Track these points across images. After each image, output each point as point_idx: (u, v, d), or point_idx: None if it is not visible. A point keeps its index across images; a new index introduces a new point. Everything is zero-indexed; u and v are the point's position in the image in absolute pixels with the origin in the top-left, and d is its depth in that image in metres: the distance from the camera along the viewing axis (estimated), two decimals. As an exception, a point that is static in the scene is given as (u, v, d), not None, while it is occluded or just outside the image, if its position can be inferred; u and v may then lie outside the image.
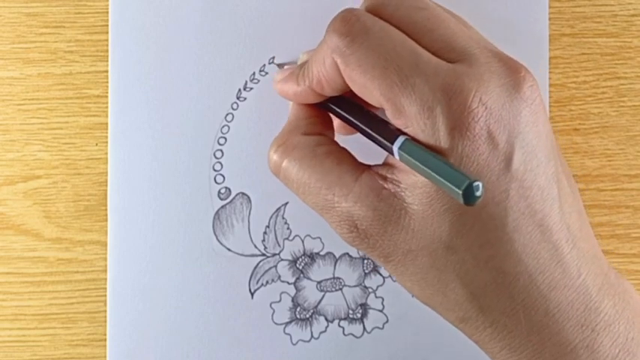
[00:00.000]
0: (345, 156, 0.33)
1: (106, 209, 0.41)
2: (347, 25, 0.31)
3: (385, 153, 0.32)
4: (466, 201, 0.27)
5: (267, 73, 0.41)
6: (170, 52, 0.41)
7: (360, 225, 0.32)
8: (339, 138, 0.35)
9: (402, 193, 0.31)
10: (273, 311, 0.41)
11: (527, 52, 0.41)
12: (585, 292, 0.31)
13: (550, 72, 0.42)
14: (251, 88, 0.41)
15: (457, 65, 0.30)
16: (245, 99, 0.41)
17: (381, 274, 0.42)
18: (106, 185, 0.41)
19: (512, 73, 0.31)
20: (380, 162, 0.33)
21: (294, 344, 0.41)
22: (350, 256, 0.42)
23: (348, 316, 0.42)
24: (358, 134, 0.34)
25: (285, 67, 0.39)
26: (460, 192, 0.27)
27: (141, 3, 0.41)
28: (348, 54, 0.31)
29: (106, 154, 0.41)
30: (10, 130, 0.42)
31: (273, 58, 0.41)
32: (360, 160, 0.34)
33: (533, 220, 0.30)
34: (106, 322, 0.41)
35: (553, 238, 0.31)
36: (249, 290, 0.41)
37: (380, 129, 0.32)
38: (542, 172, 0.31)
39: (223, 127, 0.41)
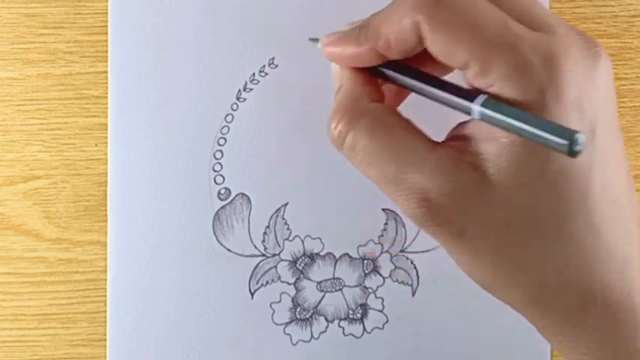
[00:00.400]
0: (415, 128, 0.32)
1: (106, 209, 0.41)
2: None
3: (440, 132, 0.31)
4: (571, 153, 0.26)
5: (267, 74, 0.41)
6: (170, 52, 0.41)
7: (434, 199, 0.30)
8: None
9: (483, 164, 0.29)
10: (273, 311, 0.41)
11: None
12: None
13: (550, 72, 0.42)
14: (251, 89, 0.41)
15: (542, 34, 0.30)
16: (245, 100, 0.41)
17: (380, 275, 0.42)
18: (106, 185, 0.41)
19: (591, 46, 0.30)
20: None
21: (294, 344, 0.41)
22: (350, 257, 0.42)
23: (348, 316, 0.42)
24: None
25: (330, 33, 0.37)
26: (566, 143, 0.26)
27: (140, 3, 0.41)
28: (435, 12, 0.30)
29: (106, 154, 0.41)
30: (9, 131, 0.42)
31: (273, 58, 0.41)
32: None
33: (611, 194, 0.30)
34: (106, 322, 0.41)
35: (625, 214, 0.30)
36: (249, 290, 0.41)
37: (453, 89, 0.31)
38: (617, 146, 0.31)
39: (223, 127, 0.41)
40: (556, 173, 0.29)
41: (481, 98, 0.29)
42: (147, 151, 0.41)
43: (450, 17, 0.30)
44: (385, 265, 0.42)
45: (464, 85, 0.31)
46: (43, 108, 0.42)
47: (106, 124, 0.41)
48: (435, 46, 0.30)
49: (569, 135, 0.26)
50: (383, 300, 0.42)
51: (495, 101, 0.29)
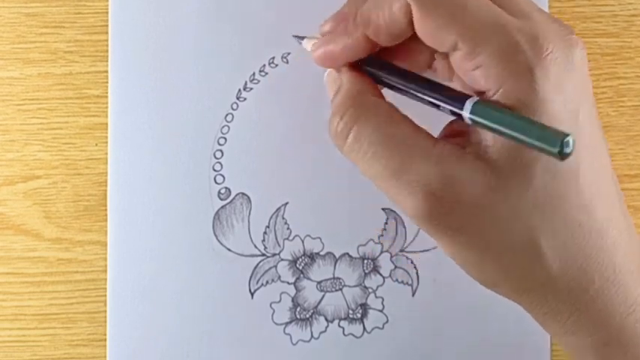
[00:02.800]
0: (417, 125, 0.32)
1: (106, 209, 0.41)
2: None
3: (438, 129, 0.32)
4: (562, 155, 0.26)
5: (267, 73, 0.41)
6: (170, 52, 0.41)
7: (437, 191, 0.30)
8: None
9: (486, 152, 0.30)
10: (273, 311, 0.41)
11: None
12: (637, 252, 0.31)
13: (550, 72, 0.42)
14: (251, 89, 0.41)
15: (522, 19, 0.31)
16: (245, 99, 0.41)
17: (380, 274, 0.42)
18: (106, 185, 0.41)
19: (568, 33, 0.31)
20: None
21: (294, 344, 0.41)
22: (350, 256, 0.42)
23: (348, 316, 0.42)
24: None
25: (306, 39, 0.37)
26: (556, 149, 0.26)
27: (141, 3, 0.41)
28: None
29: (106, 154, 0.41)
30: (10, 130, 0.42)
31: (273, 58, 0.41)
32: None
33: (598, 174, 0.31)
34: (106, 322, 0.41)
35: (611, 193, 0.31)
36: (249, 290, 0.41)
37: (443, 93, 0.31)
38: (597, 126, 0.31)
39: (223, 127, 0.41)
40: (562, 160, 0.29)
41: (470, 102, 0.30)
42: (147, 151, 0.41)
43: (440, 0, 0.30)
44: (385, 265, 0.42)
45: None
46: (44, 107, 0.42)
47: (107, 124, 0.41)
48: (425, 28, 0.31)
49: (559, 140, 0.26)
50: (383, 300, 0.42)
51: (484, 106, 0.29)
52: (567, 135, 0.26)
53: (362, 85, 0.33)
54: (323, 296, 0.42)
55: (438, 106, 0.31)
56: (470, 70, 0.30)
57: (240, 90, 0.41)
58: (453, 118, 0.31)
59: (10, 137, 0.42)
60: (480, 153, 0.30)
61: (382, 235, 0.42)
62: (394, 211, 0.41)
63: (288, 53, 0.41)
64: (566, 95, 0.30)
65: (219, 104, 0.41)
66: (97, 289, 0.42)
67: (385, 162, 0.31)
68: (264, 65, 0.41)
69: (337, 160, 0.41)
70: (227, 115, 0.41)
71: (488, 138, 0.30)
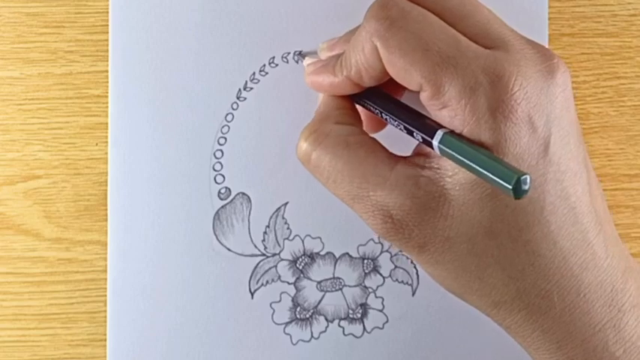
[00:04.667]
0: (378, 147, 0.33)
1: (106, 209, 0.41)
2: (385, 9, 0.31)
3: (412, 146, 0.32)
4: (516, 195, 0.27)
5: (267, 73, 0.41)
6: (170, 52, 0.41)
7: (395, 214, 0.31)
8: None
9: (441, 180, 0.31)
10: (273, 311, 0.41)
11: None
12: (612, 274, 0.31)
13: (550, 72, 0.42)
14: (251, 88, 0.41)
15: (494, 51, 0.31)
16: (245, 99, 0.41)
17: (381, 274, 0.42)
18: (106, 185, 0.41)
19: (546, 59, 0.31)
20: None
21: (294, 344, 0.41)
22: (350, 256, 0.42)
23: (348, 316, 0.42)
24: (384, 130, 0.34)
25: (311, 60, 0.38)
26: (510, 187, 0.27)
27: (141, 3, 0.41)
28: (388, 37, 0.31)
29: (106, 154, 0.41)
30: (10, 130, 0.42)
31: (273, 58, 0.41)
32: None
33: (568, 204, 0.31)
34: (106, 322, 0.41)
35: (584, 221, 0.31)
36: (249, 290, 0.41)
37: (417, 122, 0.32)
38: (575, 156, 0.31)
39: (223, 127, 0.41)
40: (517, 199, 0.29)
41: (440, 134, 0.30)
42: (147, 151, 0.41)
43: (403, 41, 0.31)
44: (385, 265, 0.42)
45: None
46: (44, 107, 0.42)
47: (107, 124, 0.41)
48: (392, 69, 0.31)
49: (514, 178, 0.27)
50: (383, 300, 0.42)
51: (453, 137, 0.30)
52: (524, 174, 0.27)
53: (331, 110, 0.35)
54: (323, 296, 0.42)
55: (410, 133, 0.32)
56: (437, 109, 0.31)
57: (240, 90, 0.41)
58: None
59: (11, 137, 0.42)
60: (436, 179, 0.31)
61: (382, 235, 0.42)
62: (394, 211, 0.41)
63: (288, 53, 0.41)
64: (536, 129, 0.30)
65: (219, 104, 0.41)
66: (97, 289, 0.42)
67: (344, 188, 0.32)
68: (264, 65, 0.41)
69: (337, 160, 0.41)
70: (227, 114, 0.41)
71: (447, 167, 0.31)
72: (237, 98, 0.41)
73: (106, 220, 0.41)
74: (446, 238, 0.31)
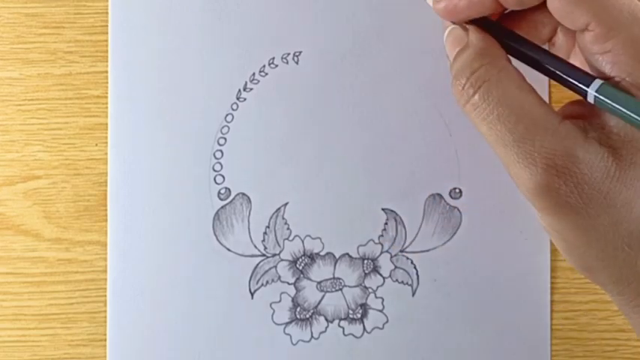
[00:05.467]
0: (544, 100, 0.31)
1: (106, 209, 0.41)
2: None
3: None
4: None
5: (267, 73, 0.41)
6: (170, 52, 0.41)
7: (559, 167, 0.29)
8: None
9: (610, 139, 0.30)
10: (273, 311, 0.41)
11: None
12: None
13: (550, 72, 0.41)
14: (251, 89, 0.41)
15: None
16: (245, 99, 0.41)
17: (380, 275, 0.42)
18: (106, 185, 0.41)
19: None
20: None
21: (294, 344, 0.41)
22: (350, 257, 0.42)
23: (348, 316, 0.42)
24: None
25: None
26: None
27: (141, 3, 0.41)
28: None
29: (106, 154, 0.41)
30: (9, 131, 0.42)
31: (273, 58, 0.41)
32: None
33: None
34: (106, 322, 0.41)
35: None
36: (249, 290, 0.41)
37: (571, 72, 0.31)
38: None
39: (223, 127, 0.41)
40: None
41: (597, 84, 0.29)
42: (147, 151, 0.41)
43: None
44: (385, 265, 0.42)
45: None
46: (43, 108, 0.42)
47: (106, 124, 0.41)
48: (558, 2, 0.30)
49: None
50: (383, 300, 0.42)
51: (611, 88, 0.29)
52: None
53: (493, 46, 0.32)
54: (323, 296, 0.42)
55: (562, 81, 0.31)
56: (598, 53, 0.30)
57: (240, 90, 0.41)
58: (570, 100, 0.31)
59: (10, 137, 0.42)
60: (602, 139, 0.30)
61: (382, 235, 0.42)
62: (394, 211, 0.41)
63: (288, 54, 0.41)
64: None
65: (219, 104, 0.41)
66: (97, 289, 0.42)
67: (510, 126, 0.30)
68: (264, 65, 0.41)
69: (337, 160, 0.41)
70: (227, 115, 0.41)
71: (611, 124, 0.30)
72: (237, 99, 0.41)
73: (106, 220, 0.41)
74: (608, 202, 0.29)
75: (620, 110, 0.29)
